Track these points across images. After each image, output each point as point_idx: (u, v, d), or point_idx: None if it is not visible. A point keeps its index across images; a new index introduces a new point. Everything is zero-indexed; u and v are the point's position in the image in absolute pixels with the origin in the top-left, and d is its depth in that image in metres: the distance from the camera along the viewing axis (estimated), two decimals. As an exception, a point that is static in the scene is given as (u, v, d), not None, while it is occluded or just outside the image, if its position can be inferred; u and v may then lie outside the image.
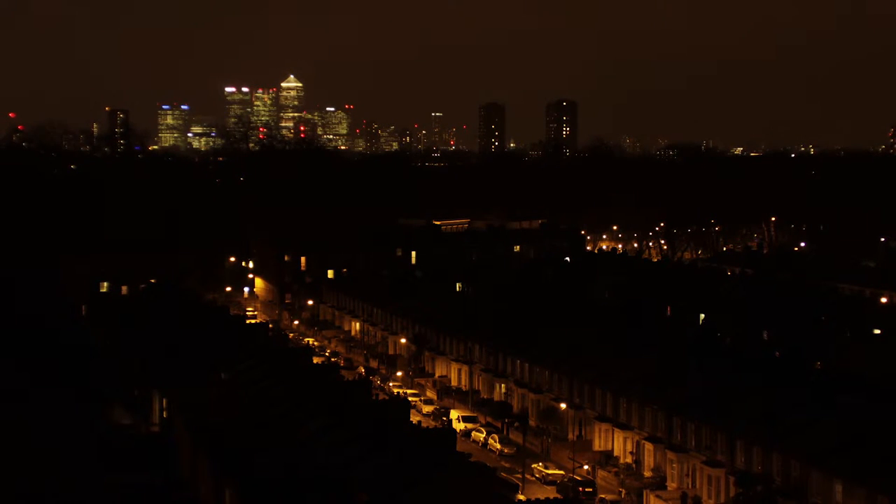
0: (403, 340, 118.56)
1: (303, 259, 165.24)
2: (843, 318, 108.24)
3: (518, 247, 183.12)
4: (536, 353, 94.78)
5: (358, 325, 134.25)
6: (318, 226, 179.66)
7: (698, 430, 73.72)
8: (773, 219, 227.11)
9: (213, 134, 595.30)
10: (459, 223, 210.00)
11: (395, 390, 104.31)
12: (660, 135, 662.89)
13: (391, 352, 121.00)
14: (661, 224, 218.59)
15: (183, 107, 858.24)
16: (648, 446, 78.25)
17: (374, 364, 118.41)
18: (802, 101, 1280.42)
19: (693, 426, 74.23)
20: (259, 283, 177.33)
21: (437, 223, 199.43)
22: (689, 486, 73.40)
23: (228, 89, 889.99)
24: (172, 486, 60.96)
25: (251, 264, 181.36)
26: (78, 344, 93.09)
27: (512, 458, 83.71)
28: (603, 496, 74.00)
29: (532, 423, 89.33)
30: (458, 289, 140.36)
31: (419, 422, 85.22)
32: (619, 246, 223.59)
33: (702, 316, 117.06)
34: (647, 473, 77.47)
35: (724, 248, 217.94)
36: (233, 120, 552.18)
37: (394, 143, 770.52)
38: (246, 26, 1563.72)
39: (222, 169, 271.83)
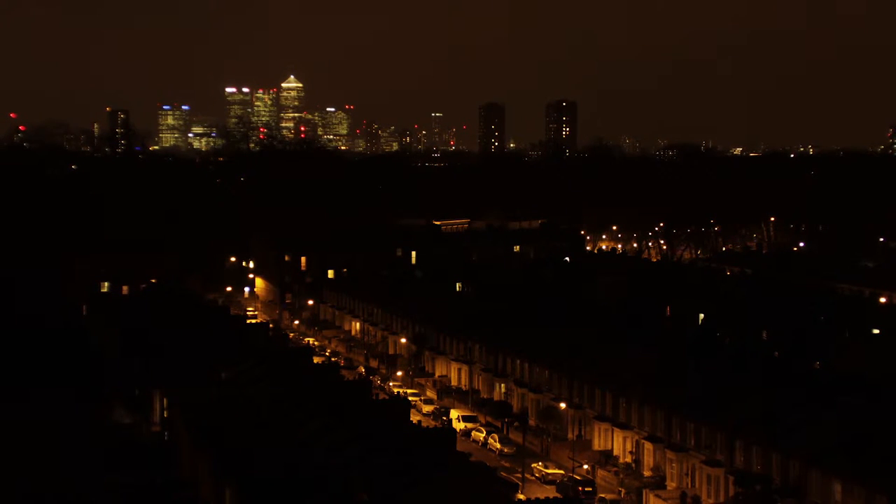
0: (403, 340, 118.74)
1: (303, 259, 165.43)
2: (842, 318, 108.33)
3: (518, 247, 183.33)
4: (536, 353, 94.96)
5: (358, 324, 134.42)
6: (318, 226, 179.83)
7: (698, 429, 73.90)
8: (773, 219, 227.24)
9: (213, 134, 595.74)
10: (459, 223, 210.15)
11: (396, 390, 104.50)
12: (659, 135, 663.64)
13: (391, 351, 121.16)
14: (661, 224, 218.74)
15: (183, 107, 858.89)
16: (648, 446, 78.41)
17: (374, 364, 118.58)
18: (802, 101, 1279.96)
19: (692, 426, 74.40)
20: (259, 282, 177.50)
21: (437, 223, 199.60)
22: (689, 485, 73.56)
23: (229, 90, 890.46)
24: (173, 486, 61.05)
25: (251, 264, 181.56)
26: (78, 344, 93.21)
27: (512, 457, 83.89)
28: (602, 496, 74.15)
29: (532, 422, 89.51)
30: (458, 289, 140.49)
31: (419, 421, 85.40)
32: (619, 246, 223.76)
33: (701, 316, 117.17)
34: (647, 473, 77.64)
35: (724, 248, 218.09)
36: (233, 120, 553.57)
37: (394, 144, 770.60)
38: (246, 26, 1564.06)
39: (223, 169, 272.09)
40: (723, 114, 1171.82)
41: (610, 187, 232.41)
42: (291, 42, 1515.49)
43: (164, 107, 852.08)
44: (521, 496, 70.44)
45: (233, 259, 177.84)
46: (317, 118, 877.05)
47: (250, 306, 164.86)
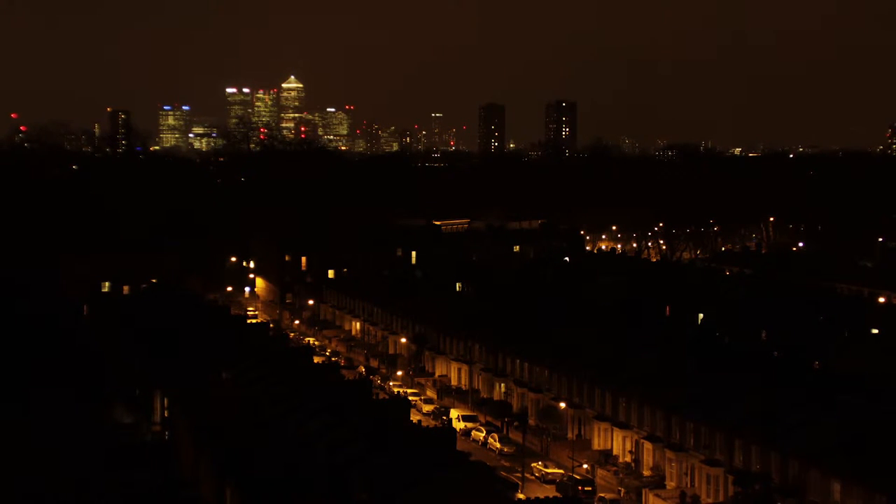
0: (403, 340, 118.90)
1: (303, 259, 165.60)
2: (842, 317, 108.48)
3: (517, 247, 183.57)
4: (536, 353, 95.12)
5: (358, 324, 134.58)
6: (318, 226, 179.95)
7: (697, 429, 74.03)
8: (772, 219, 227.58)
9: (214, 134, 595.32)
10: (459, 223, 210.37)
11: (396, 390, 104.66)
12: (659, 135, 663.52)
13: (391, 351, 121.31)
14: (660, 224, 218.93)
15: (184, 107, 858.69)
16: (647, 445, 78.55)
17: (374, 363, 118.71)
18: (801, 102, 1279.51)
19: (692, 425, 74.53)
20: (260, 282, 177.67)
21: (437, 223, 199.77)
22: (688, 485, 73.70)
23: (229, 90, 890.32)
24: (173, 485, 61.24)
25: (252, 264, 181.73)
26: (79, 344, 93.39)
27: (511, 457, 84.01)
28: (602, 495, 74.24)
29: (531, 422, 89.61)
30: (458, 289, 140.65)
31: (419, 421, 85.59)
32: (618, 246, 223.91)
33: (700, 316, 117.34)
34: (646, 472, 77.78)
35: (723, 248, 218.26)
36: (234, 120, 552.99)
37: (394, 144, 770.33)
38: (247, 27, 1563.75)
39: (223, 169, 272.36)
40: (722, 114, 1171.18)
41: (609, 187, 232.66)
42: (292, 42, 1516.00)
43: (165, 107, 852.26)
44: (521, 495, 70.61)
45: (233, 259, 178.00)
46: (317, 118, 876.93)
47: (251, 306, 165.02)
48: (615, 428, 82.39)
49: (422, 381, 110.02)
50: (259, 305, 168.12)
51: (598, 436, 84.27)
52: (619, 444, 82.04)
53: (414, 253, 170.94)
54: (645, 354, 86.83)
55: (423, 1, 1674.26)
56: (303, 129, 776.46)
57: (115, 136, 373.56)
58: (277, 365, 77.37)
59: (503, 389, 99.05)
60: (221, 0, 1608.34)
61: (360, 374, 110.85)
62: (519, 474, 78.50)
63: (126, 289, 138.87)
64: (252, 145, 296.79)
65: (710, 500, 71.55)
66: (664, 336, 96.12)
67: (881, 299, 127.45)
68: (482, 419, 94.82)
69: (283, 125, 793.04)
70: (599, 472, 79.78)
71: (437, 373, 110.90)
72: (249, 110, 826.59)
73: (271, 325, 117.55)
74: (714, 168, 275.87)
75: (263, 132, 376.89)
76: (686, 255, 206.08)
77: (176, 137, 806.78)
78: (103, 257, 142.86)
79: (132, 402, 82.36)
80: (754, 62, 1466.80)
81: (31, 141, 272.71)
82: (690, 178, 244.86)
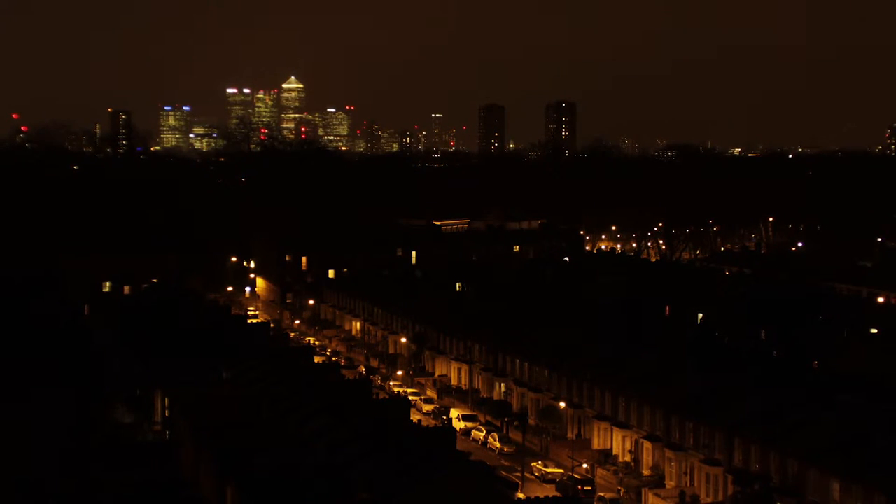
0: (404, 340, 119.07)
1: (304, 259, 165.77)
2: (841, 317, 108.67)
3: (517, 247, 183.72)
4: (536, 353, 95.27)
5: (358, 324, 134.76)
6: (318, 226, 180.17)
7: (696, 428, 74.20)
8: (771, 219, 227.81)
9: (214, 135, 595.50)
10: (459, 223, 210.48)
11: (396, 389, 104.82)
12: (658, 136, 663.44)
13: (391, 351, 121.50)
14: (660, 224, 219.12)
15: (185, 108, 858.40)
16: (647, 445, 78.71)
17: (374, 363, 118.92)
18: (800, 102, 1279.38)
19: (691, 425, 74.71)
20: (260, 282, 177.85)
21: (437, 223, 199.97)
22: (688, 484, 73.87)
23: (230, 90, 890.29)
24: (174, 485, 61.34)
25: (252, 264, 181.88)
26: (80, 344, 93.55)
27: (511, 456, 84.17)
28: (602, 494, 74.38)
29: (531, 421, 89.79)
30: (458, 289, 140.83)
31: (419, 421, 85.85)
32: (618, 246, 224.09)
33: (700, 315, 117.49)
34: (646, 472, 77.94)
35: (722, 248, 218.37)
36: (234, 121, 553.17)
37: (394, 144, 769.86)
38: (247, 27, 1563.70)
39: (224, 169, 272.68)
40: (722, 114, 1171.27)
41: (609, 187, 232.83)
42: (292, 43, 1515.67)
43: (166, 107, 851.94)
44: (521, 495, 70.74)
45: (234, 259, 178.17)
46: (317, 119, 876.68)
47: (251, 306, 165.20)
48: (615, 427, 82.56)
49: (422, 380, 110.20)
50: (259, 305, 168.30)
51: (598, 435, 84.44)
52: (618, 443, 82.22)
53: (414, 253, 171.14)
54: (645, 354, 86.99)
55: (424, 1, 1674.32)
56: (303, 129, 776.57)
57: (115, 137, 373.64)
58: (278, 365, 77.51)
59: (503, 389, 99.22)
60: (222, 1, 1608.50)
61: (361, 373, 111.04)
62: (519, 474, 78.69)
63: (127, 289, 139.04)
64: (252, 146, 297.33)
65: (709, 500, 71.71)
66: (664, 336, 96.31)
67: (880, 299, 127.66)
68: (482, 419, 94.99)
69: (284, 125, 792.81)
70: (599, 471, 79.95)
71: (437, 372, 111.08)
72: (250, 111, 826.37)
73: (272, 325, 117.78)
74: (713, 168, 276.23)
75: (264, 132, 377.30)
76: (686, 255, 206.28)
77: (177, 138, 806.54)
78: (104, 257, 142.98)
79: (133, 401, 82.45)
80: (754, 62, 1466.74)
81: (32, 141, 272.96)
82: (690, 178, 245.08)
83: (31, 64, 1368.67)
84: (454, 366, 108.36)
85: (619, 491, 75.85)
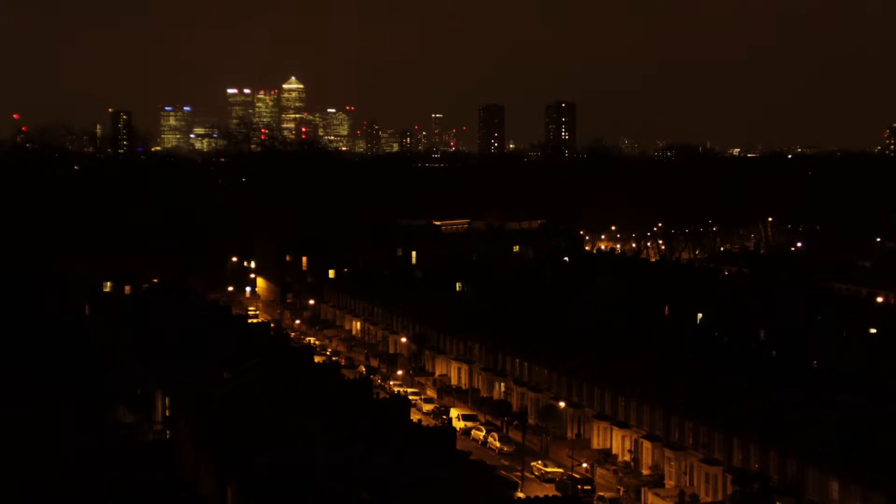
0: (404, 339, 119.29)
1: (304, 259, 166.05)
2: (840, 317, 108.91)
3: (517, 247, 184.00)
4: (535, 353, 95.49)
5: (359, 324, 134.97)
6: (319, 226, 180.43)
7: (696, 428, 74.37)
8: (771, 219, 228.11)
9: (215, 135, 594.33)
10: (459, 223, 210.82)
11: (396, 389, 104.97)
12: (658, 136, 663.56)
13: (391, 351, 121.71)
14: (659, 224, 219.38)
15: (185, 108, 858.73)
16: (646, 444, 78.89)
17: (374, 363, 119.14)
18: (799, 103, 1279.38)
19: (691, 424, 74.88)
20: (261, 282, 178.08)
21: (437, 223, 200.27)
22: (687, 483, 74.06)
23: (230, 91, 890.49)
24: (174, 485, 61.50)
25: (253, 264, 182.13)
26: (81, 343, 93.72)
27: (511, 456, 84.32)
28: (601, 494, 74.54)
29: (531, 421, 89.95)
30: (458, 289, 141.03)
31: (419, 420, 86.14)
32: (618, 246, 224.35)
33: (699, 315, 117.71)
34: (646, 471, 78.12)
35: (722, 248, 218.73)
36: (235, 121, 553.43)
37: (394, 145, 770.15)
38: (247, 28, 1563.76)
39: (224, 170, 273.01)
40: (721, 115, 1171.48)
41: (609, 188, 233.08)
42: (293, 43, 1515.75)
43: (166, 108, 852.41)
44: (521, 494, 70.94)
45: (234, 259, 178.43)
46: (318, 119, 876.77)
47: (252, 306, 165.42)
48: (614, 427, 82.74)
49: (422, 380, 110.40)
50: (260, 305, 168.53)
51: (598, 435, 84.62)
52: (618, 443, 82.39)
53: (414, 253, 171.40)
54: (644, 354, 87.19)
55: (423, 2, 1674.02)
56: (303, 129, 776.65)
57: (116, 137, 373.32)
58: (278, 364, 77.68)
59: (503, 389, 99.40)
60: (223, 1, 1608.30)
61: (361, 373, 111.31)
62: (519, 473, 78.87)
63: (127, 289, 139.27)
64: (253, 146, 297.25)
65: (708, 499, 71.89)
66: (663, 336, 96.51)
67: (879, 299, 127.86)
68: (482, 418, 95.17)
69: (284, 126, 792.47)
70: (599, 471, 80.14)
71: (437, 372, 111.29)
72: (250, 111, 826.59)
73: (272, 325, 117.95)
74: (713, 168, 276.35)
75: (264, 133, 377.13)
76: (685, 255, 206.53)
77: (177, 138, 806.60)
78: (105, 257, 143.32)
79: (133, 401, 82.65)
80: (753, 63, 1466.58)
81: (32, 141, 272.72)
82: (689, 178, 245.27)
83: (32, 64, 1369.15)
84: (454, 365, 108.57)
85: (618, 490, 76.01)
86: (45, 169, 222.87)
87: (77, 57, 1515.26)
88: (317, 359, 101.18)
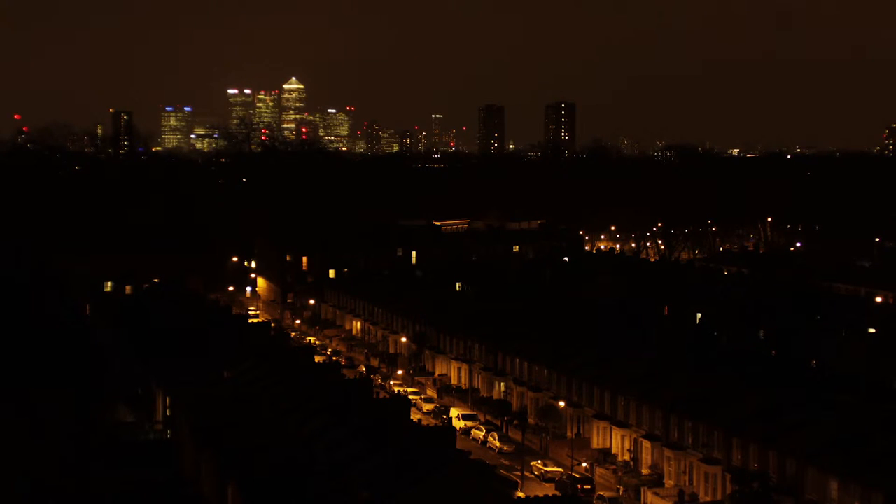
0: (404, 339, 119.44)
1: (304, 259, 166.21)
2: (839, 317, 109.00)
3: (517, 247, 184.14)
4: (535, 352, 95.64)
5: (359, 324, 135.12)
6: (319, 226, 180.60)
7: (695, 427, 74.50)
8: (770, 219, 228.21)
9: (215, 135, 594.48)
10: (459, 223, 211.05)
11: (396, 389, 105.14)
12: (657, 136, 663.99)
13: (392, 350, 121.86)
14: (659, 224, 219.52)
15: (186, 108, 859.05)
16: (646, 444, 79.02)
17: (374, 363, 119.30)
18: (799, 103, 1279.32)
19: (690, 424, 75.00)
20: (261, 282, 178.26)
21: (437, 223, 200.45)
22: (686, 483, 74.19)
23: (231, 91, 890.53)
24: (175, 484, 61.64)
25: (253, 264, 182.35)
26: (82, 343, 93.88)
27: (511, 455, 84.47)
28: (601, 493, 74.66)
29: (531, 421, 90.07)
30: (458, 289, 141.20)
31: (419, 420, 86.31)
32: (617, 246, 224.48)
33: (699, 315, 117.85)
34: (645, 471, 78.23)
35: (721, 248, 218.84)
36: (235, 121, 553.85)
37: (394, 145, 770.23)
38: (248, 28, 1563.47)
39: (225, 170, 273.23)
40: (720, 115, 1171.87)
41: (608, 188, 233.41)
42: (293, 44, 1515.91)
43: (167, 108, 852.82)
44: (521, 494, 71.09)
45: (235, 259, 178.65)
46: (318, 119, 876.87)
47: (252, 306, 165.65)
48: (614, 427, 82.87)
49: (422, 380, 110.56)
50: (260, 305, 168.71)
51: (597, 434, 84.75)
52: (617, 442, 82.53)
53: (414, 253, 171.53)
54: (643, 354, 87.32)
55: (423, 2, 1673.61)
56: (304, 129, 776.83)
57: (117, 137, 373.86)
58: (279, 364, 77.86)
59: (503, 388, 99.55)
60: (223, 2, 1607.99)
61: (361, 373, 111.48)
62: (518, 473, 79.03)
63: (128, 289, 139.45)
64: (253, 146, 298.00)
65: (708, 499, 72.03)
66: (663, 335, 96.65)
67: (878, 299, 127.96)
68: (482, 418, 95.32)
69: (285, 126, 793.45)
70: (598, 470, 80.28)
71: (437, 372, 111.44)
72: (251, 111, 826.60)
73: (272, 325, 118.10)
74: (712, 169, 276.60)
75: (265, 133, 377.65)
76: (684, 255, 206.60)
77: (178, 138, 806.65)
78: (106, 257, 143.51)
79: (134, 401, 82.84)
80: (753, 63, 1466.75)
81: (33, 142, 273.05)
82: (689, 178, 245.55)
83: (33, 65, 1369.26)
84: (454, 365, 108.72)
85: (618, 490, 76.15)
86: (46, 169, 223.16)
87: (78, 57, 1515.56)
88: (317, 359, 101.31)
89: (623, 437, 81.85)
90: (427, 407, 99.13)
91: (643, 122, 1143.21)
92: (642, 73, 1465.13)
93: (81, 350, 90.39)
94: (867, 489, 60.46)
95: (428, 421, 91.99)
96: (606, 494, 74.43)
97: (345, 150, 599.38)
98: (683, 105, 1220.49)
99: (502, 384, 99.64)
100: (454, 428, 68.94)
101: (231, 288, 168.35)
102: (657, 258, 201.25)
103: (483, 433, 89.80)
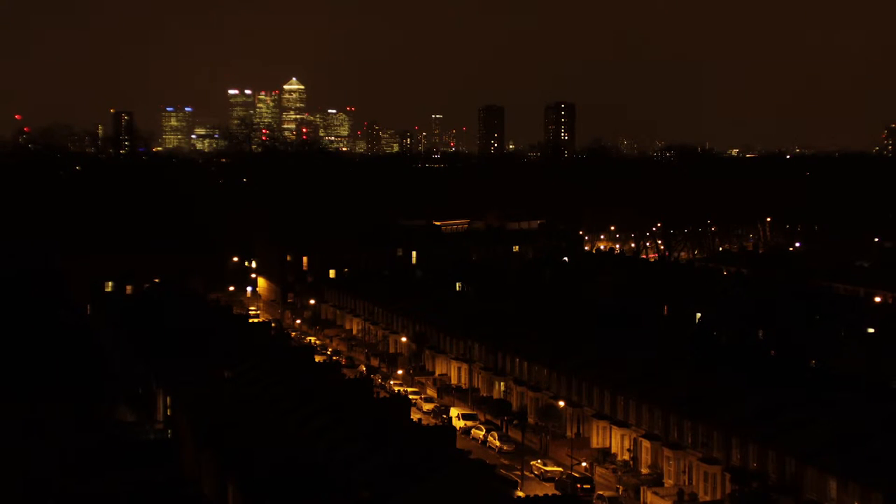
0: (404, 339, 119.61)
1: (305, 259, 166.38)
2: (838, 317, 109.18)
3: (517, 247, 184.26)
4: (535, 352, 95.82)
5: (359, 324, 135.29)
6: (319, 226, 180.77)
7: (695, 427, 74.68)
8: (769, 219, 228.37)
9: (216, 136, 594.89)
10: (459, 223, 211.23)
11: (396, 388, 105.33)
12: (657, 136, 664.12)
13: (392, 350, 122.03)
14: (658, 224, 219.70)
15: (187, 109, 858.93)
16: (645, 443, 79.20)
17: (374, 363, 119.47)
18: (798, 103, 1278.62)
19: (689, 423, 75.18)
20: (262, 282, 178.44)
21: (437, 223, 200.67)
22: (686, 482, 74.36)
23: (231, 91, 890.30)
24: (176, 483, 61.72)
25: (254, 264, 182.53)
26: (83, 343, 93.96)
27: (511, 455, 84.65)
28: (601, 493, 74.82)
29: (531, 420, 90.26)
30: (458, 289, 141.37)
31: (419, 420, 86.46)
32: (617, 246, 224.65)
33: (698, 315, 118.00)
34: (644, 470, 78.40)
35: (720, 248, 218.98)
36: (236, 122, 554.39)
37: (394, 145, 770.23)
38: (248, 29, 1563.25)
39: (225, 170, 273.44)
40: (720, 115, 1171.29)
41: (608, 188, 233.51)
42: (293, 44, 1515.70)
43: (168, 108, 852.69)
44: (521, 493, 71.24)
45: (235, 259, 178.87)
46: (318, 120, 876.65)
47: (252, 306, 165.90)
48: (613, 426, 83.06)
49: (422, 379, 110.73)
50: (261, 305, 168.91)
51: (597, 434, 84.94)
52: (617, 442, 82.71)
53: (414, 253, 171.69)
54: (643, 353, 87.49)
55: (423, 3, 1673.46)
56: (304, 130, 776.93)
57: (118, 138, 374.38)
58: (279, 364, 78.01)
59: (503, 388, 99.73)
60: (223, 3, 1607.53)
61: (361, 373, 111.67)
62: (518, 472, 79.21)
63: (129, 289, 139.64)
64: (254, 146, 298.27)
65: (707, 498, 72.18)
66: (662, 335, 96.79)
67: (877, 299, 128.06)
68: (482, 418, 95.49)
69: (285, 126, 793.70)
70: (598, 470, 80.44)
71: (438, 372, 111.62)
72: (251, 111, 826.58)
73: (273, 325, 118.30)
74: (712, 169, 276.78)
75: (265, 133, 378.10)
76: (684, 255, 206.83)
77: (178, 138, 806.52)
78: (106, 257, 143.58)
79: (134, 401, 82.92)
80: (752, 63, 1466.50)
81: (34, 142, 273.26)
82: (688, 178, 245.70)
83: (34, 65, 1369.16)
84: (454, 365, 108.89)
85: (617, 489, 76.32)
86: (47, 170, 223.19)
87: (78, 57, 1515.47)
88: (317, 358, 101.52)
89: (623, 436, 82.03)
90: (427, 407, 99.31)
91: (643, 123, 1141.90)
92: (642, 74, 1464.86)
93: (82, 350, 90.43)
94: (866, 489, 60.64)
95: (428, 421, 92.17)
96: (606, 494, 74.60)
97: (345, 151, 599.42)
98: (683, 105, 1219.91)
99: (502, 384, 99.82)
100: (454, 427, 69.12)
101: (231, 288, 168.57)
102: (657, 258, 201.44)
103: (483, 433, 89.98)
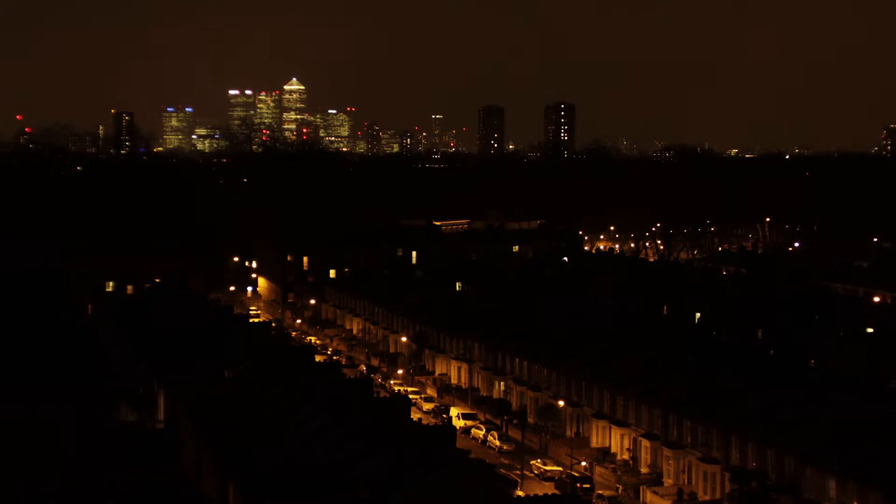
0: (404, 339, 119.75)
1: (305, 259, 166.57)
2: (837, 317, 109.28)
3: (517, 247, 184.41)
4: (535, 352, 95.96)
5: (359, 323, 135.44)
6: (320, 226, 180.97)
7: (694, 427, 74.83)
8: (768, 219, 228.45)
9: (216, 136, 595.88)
10: (459, 223, 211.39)
11: (396, 388, 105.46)
12: (656, 137, 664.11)
13: (392, 350, 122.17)
14: (658, 224, 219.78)
15: (187, 109, 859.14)
16: (645, 443, 79.35)
17: (375, 362, 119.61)
18: (797, 103, 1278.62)
19: (689, 423, 75.33)
20: (262, 282, 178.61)
21: (438, 223, 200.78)
22: (685, 482, 74.49)
23: (232, 92, 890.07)
24: (176, 482, 61.86)
25: (254, 264, 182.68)
26: (83, 343, 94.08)
27: (511, 454, 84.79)
28: (600, 492, 74.97)
29: (530, 420, 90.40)
30: (458, 288, 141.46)
31: (419, 419, 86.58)
32: (616, 246, 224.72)
33: (697, 315, 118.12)
34: (644, 470, 78.54)
35: (720, 248, 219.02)
36: (236, 122, 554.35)
37: (395, 145, 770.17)
38: (249, 29, 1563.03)
39: (226, 170, 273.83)
40: (719, 116, 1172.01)
41: (608, 188, 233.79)
42: (294, 45, 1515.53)
43: (168, 109, 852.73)
44: (521, 493, 71.36)
45: (236, 259, 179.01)
46: (318, 120, 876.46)
47: (253, 306, 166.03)
48: (613, 426, 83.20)
49: (422, 379, 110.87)
50: (261, 305, 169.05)
51: (597, 434, 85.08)
52: (617, 441, 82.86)
53: (414, 253, 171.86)
54: (642, 353, 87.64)
55: (423, 3, 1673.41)
56: (304, 130, 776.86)
57: (118, 138, 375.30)
58: (279, 364, 78.15)
59: (502, 388, 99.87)
60: (222, 3, 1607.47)
61: (361, 372, 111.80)
62: (518, 472, 79.36)
63: (130, 289, 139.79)
64: (254, 146, 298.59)
65: (706, 498, 72.30)
66: (661, 335, 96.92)
67: (876, 299, 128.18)
68: (482, 417, 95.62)
69: (285, 126, 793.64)
70: (598, 469, 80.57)
71: (438, 371, 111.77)
72: (252, 112, 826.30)
73: (273, 325, 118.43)
74: (711, 169, 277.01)
75: (266, 133, 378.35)
76: (683, 255, 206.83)
77: (179, 139, 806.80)
78: (107, 257, 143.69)
79: (135, 400, 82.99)
80: (752, 63, 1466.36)
81: (35, 142, 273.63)
82: (688, 179, 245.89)
83: (34, 65, 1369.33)
84: (454, 365, 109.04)
85: (617, 489, 76.45)
86: (48, 169, 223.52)
87: (78, 57, 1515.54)
88: (317, 358, 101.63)
89: (622, 436, 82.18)
90: (427, 406, 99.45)
91: (643, 123, 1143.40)
92: (642, 74, 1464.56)
93: (82, 350, 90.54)
94: (865, 488, 60.79)
95: (428, 420, 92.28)
96: (606, 493, 74.75)
97: (345, 151, 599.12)
98: (683, 105, 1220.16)
99: (502, 383, 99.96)
100: (454, 427, 69.23)
101: (232, 288, 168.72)
102: (656, 258, 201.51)
103: (483, 432, 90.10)
